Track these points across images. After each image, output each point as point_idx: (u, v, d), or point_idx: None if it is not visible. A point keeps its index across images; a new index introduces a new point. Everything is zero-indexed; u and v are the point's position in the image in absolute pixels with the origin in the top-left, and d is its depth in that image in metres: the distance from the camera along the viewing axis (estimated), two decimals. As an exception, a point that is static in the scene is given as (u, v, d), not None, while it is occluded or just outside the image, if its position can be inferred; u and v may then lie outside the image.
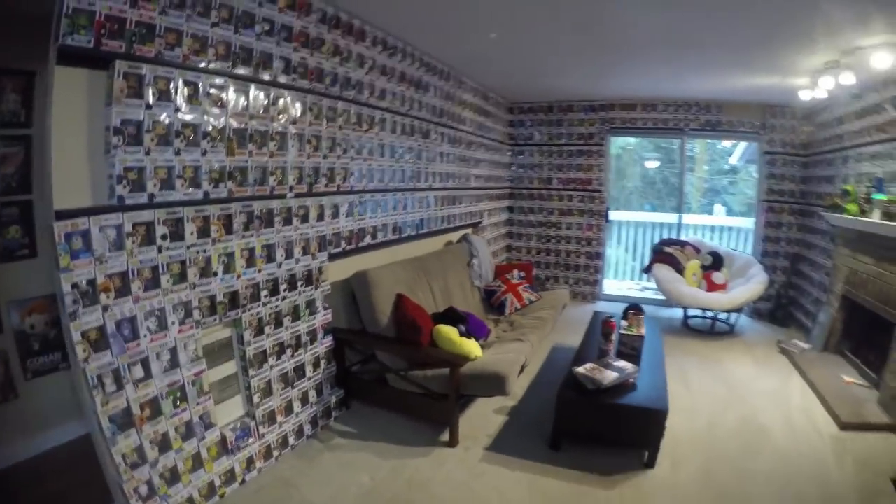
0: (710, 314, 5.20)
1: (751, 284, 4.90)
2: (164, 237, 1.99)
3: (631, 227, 7.12)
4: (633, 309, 3.75)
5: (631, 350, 3.32)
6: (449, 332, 3.02)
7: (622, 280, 7.30)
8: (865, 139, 4.15)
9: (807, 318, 5.13)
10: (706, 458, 2.87)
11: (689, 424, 3.15)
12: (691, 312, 5.40)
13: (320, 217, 2.86)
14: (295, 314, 2.73)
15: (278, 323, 2.61)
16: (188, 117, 2.06)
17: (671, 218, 6.58)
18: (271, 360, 2.59)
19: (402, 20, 3.17)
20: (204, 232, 2.15)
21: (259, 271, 2.46)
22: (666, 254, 5.37)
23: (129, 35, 1.82)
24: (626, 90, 5.39)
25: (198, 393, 2.17)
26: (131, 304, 1.89)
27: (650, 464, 2.75)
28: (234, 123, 2.26)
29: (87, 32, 1.70)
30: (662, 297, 6.03)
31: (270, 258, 2.52)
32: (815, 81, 3.93)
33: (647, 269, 5.52)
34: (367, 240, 3.34)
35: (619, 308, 5.62)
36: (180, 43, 2.00)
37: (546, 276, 6.43)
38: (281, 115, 2.52)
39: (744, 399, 3.64)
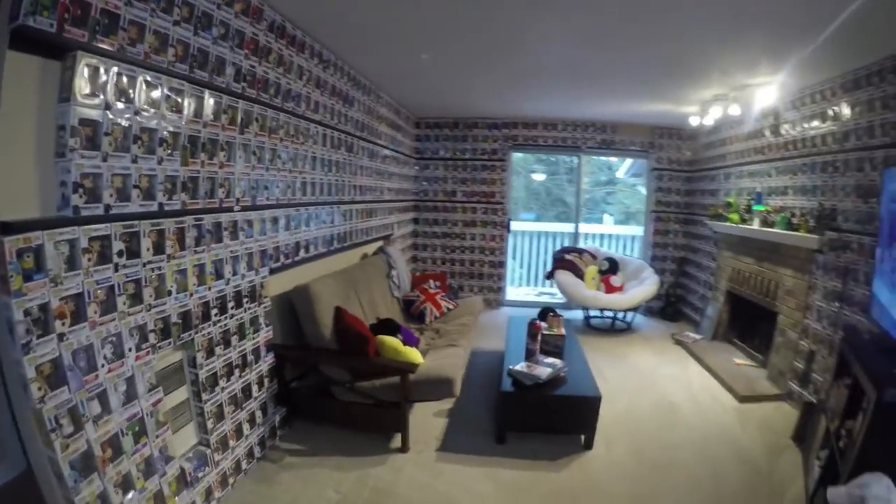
0: (609, 314, 5.75)
1: (645, 285, 5.53)
2: (120, 253, 1.81)
3: (526, 236, 7.63)
4: (550, 312, 4.06)
5: (554, 348, 3.60)
6: (392, 342, 3.06)
7: (518, 287, 7.77)
8: (746, 159, 4.96)
9: (694, 312, 5.94)
10: (633, 437, 3.25)
11: (612, 409, 3.50)
12: (592, 313, 5.93)
13: (262, 231, 2.76)
14: (241, 332, 2.59)
15: (227, 343, 2.47)
16: (147, 121, 1.90)
17: (564, 227, 7.19)
18: (222, 382, 2.43)
19: (340, 34, 3.18)
20: (159, 248, 1.99)
21: (209, 289, 2.31)
22: (566, 260, 5.86)
23: (93, 24, 1.65)
24: (529, 110, 5.83)
25: (156, 424, 1.99)
26: (87, 330, 1.69)
27: (588, 446, 3.05)
28: (189, 131, 2.13)
29: (50, 14, 1.51)
30: (561, 301, 6.56)
31: (219, 274, 2.38)
32: (704, 110, 4.64)
33: (549, 275, 5.97)
34: (302, 253, 3.27)
35: (522, 312, 6.02)
36: (142, 39, 1.85)
37: (452, 286, 6.64)
38: (231, 125, 2.41)
39: (653, 384, 4.15)
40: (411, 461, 2.85)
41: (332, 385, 3.03)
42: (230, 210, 2.43)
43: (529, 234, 7.73)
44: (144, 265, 1.92)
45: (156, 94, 1.94)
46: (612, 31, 2.96)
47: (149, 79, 1.89)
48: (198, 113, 2.17)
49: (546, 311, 4.06)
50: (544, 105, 5.43)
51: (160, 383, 2.05)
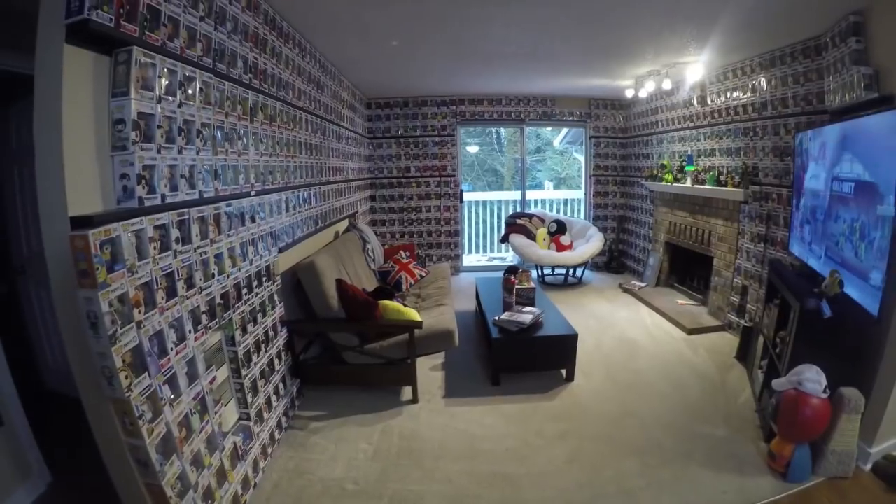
0: (561, 270, 6.21)
1: (591, 243, 6.02)
2: (177, 240, 1.90)
3: (472, 205, 7.92)
4: (514, 269, 4.41)
5: (527, 299, 3.96)
6: (395, 304, 3.28)
7: (470, 254, 8.09)
8: (676, 126, 5.49)
9: (636, 264, 6.54)
10: (605, 367, 3.74)
11: (582, 347, 3.90)
12: (546, 271, 6.36)
13: (271, 213, 2.85)
14: (263, 310, 2.71)
15: (255, 320, 2.58)
16: (187, 114, 1.96)
17: (509, 195, 7.58)
18: (254, 358, 2.55)
19: (318, 20, 3.22)
20: (203, 233, 2.08)
21: (240, 270, 2.41)
22: (518, 225, 6.24)
23: (142, 19, 1.69)
24: (475, 87, 6.06)
25: (214, 402, 2.11)
26: (158, 316, 1.77)
27: (570, 378, 3.48)
28: (216, 122, 2.19)
29: (109, 9, 1.55)
30: (512, 263, 6.95)
31: (245, 256, 2.48)
32: (639, 84, 5.06)
33: (504, 239, 6.32)
34: (298, 233, 3.37)
35: (482, 276, 6.38)
36: (178, 34, 1.90)
37: (419, 255, 6.82)
38: (244, 115, 2.47)
39: (612, 325, 4.68)
40: (425, 409, 3.12)
41: (342, 351, 3.20)
42: (248, 195, 2.52)
43: (476, 204, 8.00)
44: (195, 250, 2.01)
45: (193, 87, 2.00)
46: (558, 19, 3.26)
47: (187, 73, 1.96)
48: (221, 104, 2.24)
49: (514, 269, 4.40)
50: (490, 82, 5.68)
51: (212, 362, 2.16)
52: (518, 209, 7.27)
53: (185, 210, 1.95)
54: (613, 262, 6.90)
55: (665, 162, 5.55)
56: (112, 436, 1.67)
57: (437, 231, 6.85)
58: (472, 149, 11.71)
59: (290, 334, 3.08)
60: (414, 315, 3.23)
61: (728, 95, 4.49)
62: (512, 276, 3.92)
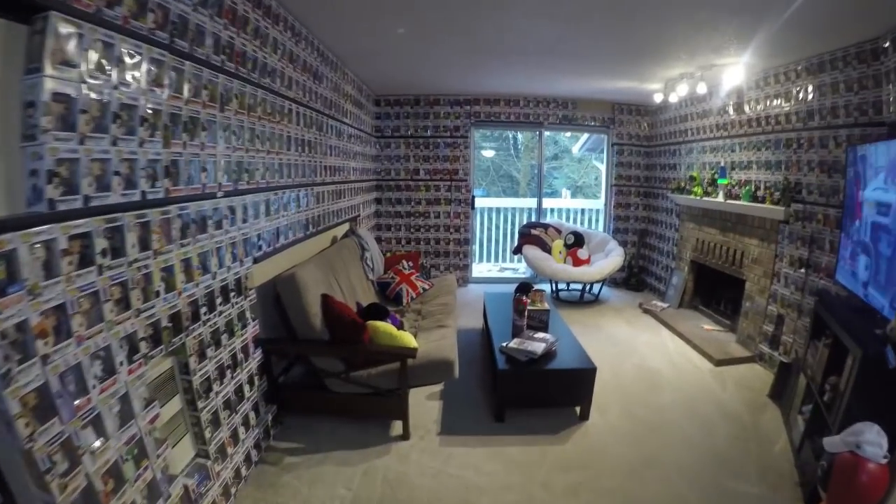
0: (577, 286, 5.79)
1: (611, 257, 5.60)
2: (104, 253, 1.55)
3: (486, 213, 7.56)
4: (525, 285, 4.02)
5: (539, 322, 3.58)
6: (386, 327, 2.90)
7: (480, 263, 7.72)
8: (708, 135, 5.06)
9: (658, 282, 6.10)
10: (623, 402, 3.32)
11: (598, 377, 3.50)
12: (561, 286, 5.95)
13: (244, 218, 2.49)
14: (230, 330, 2.35)
15: (217, 343, 2.23)
16: (127, 97, 1.61)
17: (524, 203, 7.19)
18: (216, 386, 2.20)
19: (310, 4, 2.88)
20: (144, 243, 1.72)
21: (197, 285, 2.06)
22: (533, 236, 5.83)
23: None
24: (491, 86, 5.66)
25: (156, 443, 1.75)
26: (74, 347, 1.42)
27: (585, 416, 3.06)
28: (170, 108, 1.84)
29: None
30: (524, 276, 6.57)
31: (205, 268, 2.12)
32: (670, 88, 4.67)
33: (517, 251, 5.92)
34: (282, 240, 3.01)
35: (491, 289, 5.99)
36: (121, 1, 1.55)
37: (423, 265, 6.46)
38: (212, 102, 2.12)
39: (631, 351, 4.25)
40: (416, 448, 2.74)
41: (324, 377, 2.84)
42: (213, 196, 2.17)
43: (489, 211, 7.65)
44: (130, 264, 1.66)
45: (136, 64, 1.65)
46: (590, 11, 2.88)
47: (129, 47, 1.61)
48: (178, 88, 1.89)
49: (526, 287, 4.00)
50: (507, 81, 5.29)
51: (154, 396, 1.81)
52: (533, 218, 6.87)
53: (119, 215, 1.60)
54: (633, 278, 6.46)
55: (694, 174, 5.13)
56: (24, 490, 1.32)
57: (446, 239, 6.47)
58: (488, 153, 11.36)
59: (266, 355, 2.72)
60: (408, 340, 2.85)
61: (768, 103, 4.07)
62: (524, 297, 3.52)
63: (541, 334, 3.30)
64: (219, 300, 2.23)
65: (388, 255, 5.07)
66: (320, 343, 2.79)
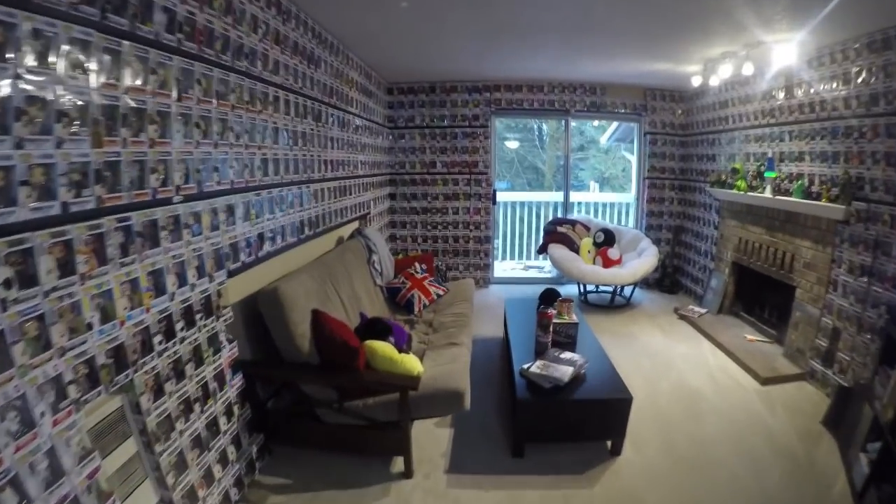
0: (606, 288, 5.36)
1: (645, 258, 5.16)
2: (6, 284, 1.24)
3: (508, 207, 7.18)
4: (556, 294, 3.64)
5: (566, 338, 3.20)
6: (385, 349, 2.55)
7: (502, 261, 7.34)
8: (752, 122, 4.58)
9: (694, 284, 5.65)
10: (661, 433, 2.92)
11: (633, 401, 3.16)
12: (589, 288, 5.54)
13: (214, 225, 2.18)
14: (197, 357, 2.05)
15: (180, 374, 1.92)
16: (36, 88, 1.30)
17: (548, 196, 6.78)
18: (179, 424, 1.90)
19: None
20: (67, 267, 1.41)
21: (147, 310, 1.75)
22: (559, 233, 5.42)
23: None
24: (512, 71, 5.25)
25: (99, 499, 1.47)
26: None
27: (616, 451, 2.68)
28: (102, 99, 1.52)
29: None
30: (550, 275, 6.17)
31: (160, 289, 1.82)
32: (710, 69, 4.21)
33: (542, 250, 5.52)
34: (268, 246, 2.69)
35: (513, 291, 5.63)
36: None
37: (439, 268, 6.09)
38: (163, 89, 1.80)
39: (668, 367, 3.84)
40: (420, 488, 2.41)
41: (316, 406, 2.52)
42: (168, 202, 1.85)
43: (512, 205, 7.27)
44: (47, 294, 1.35)
45: (48, 47, 1.33)
46: None
47: (38, 26, 1.29)
48: (114, 74, 1.56)
49: (551, 295, 3.62)
50: (529, 64, 4.88)
51: (97, 444, 1.52)
52: (559, 213, 6.45)
53: (27, 235, 1.29)
54: (667, 279, 5.99)
55: (737, 165, 4.64)
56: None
57: (465, 237, 6.10)
58: (512, 144, 10.92)
59: (248, 379, 2.42)
60: (410, 366, 2.51)
61: (823, 85, 3.58)
62: (549, 310, 3.12)
63: (568, 354, 2.91)
64: (180, 325, 1.92)
65: (400, 256, 4.74)
66: (308, 368, 2.46)
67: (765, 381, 3.56)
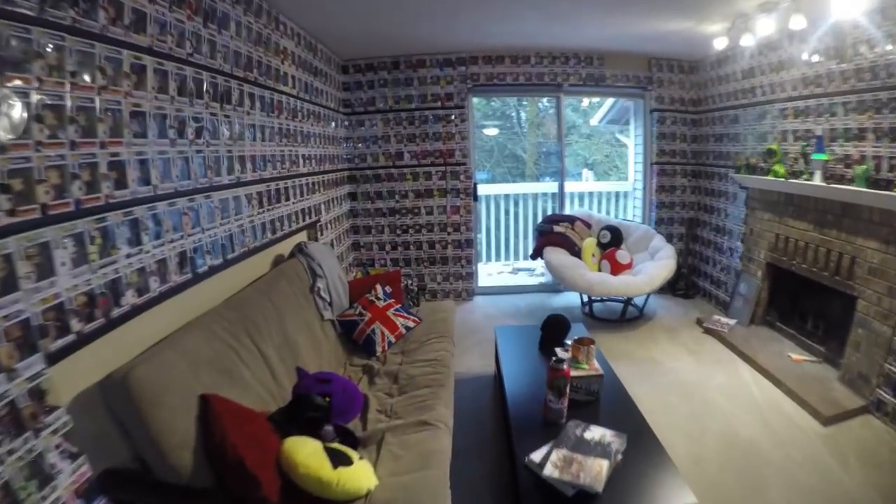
0: (619, 298, 4.56)
1: (660, 262, 4.42)
2: None
3: (492, 201, 6.42)
4: (557, 325, 2.83)
5: (587, 396, 2.38)
6: (310, 462, 1.64)
7: (487, 263, 6.56)
8: (790, 93, 3.80)
9: (715, 287, 4.95)
10: None
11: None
12: (595, 297, 4.74)
13: (10, 279, 1.29)
14: (11, 499, 1.16)
15: None
16: None
17: (534, 187, 6.10)
18: None
19: None
20: None
21: None
22: (556, 234, 4.58)
23: None
24: (493, 38, 4.39)
25: None
26: None
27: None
28: None
29: None
30: (543, 279, 5.40)
31: None
32: (742, 26, 3.48)
33: (536, 254, 4.69)
34: (130, 298, 1.79)
35: (502, 304, 4.82)
36: None
37: (409, 288, 5.07)
38: None
39: (708, 409, 3.12)
40: None
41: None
42: None
43: (495, 198, 6.50)
44: None
45: None
46: None
47: None
48: None
49: (558, 326, 2.82)
50: (513, 28, 4.02)
51: None
52: (549, 206, 5.64)
53: None
54: (681, 281, 5.21)
55: (773, 146, 3.87)
56: None
57: (443, 241, 5.23)
58: (491, 131, 10.15)
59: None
60: (352, 486, 1.64)
61: (891, 45, 2.84)
62: (562, 366, 2.23)
63: (596, 432, 2.04)
64: None
65: (357, 274, 3.83)
66: (192, 494, 1.58)
67: (827, 421, 2.89)
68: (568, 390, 2.22)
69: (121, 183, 1.75)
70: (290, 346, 2.48)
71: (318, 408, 1.86)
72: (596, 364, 2.47)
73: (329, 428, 1.81)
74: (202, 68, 2.27)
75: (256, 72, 2.84)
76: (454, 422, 2.31)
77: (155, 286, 1.91)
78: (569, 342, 2.62)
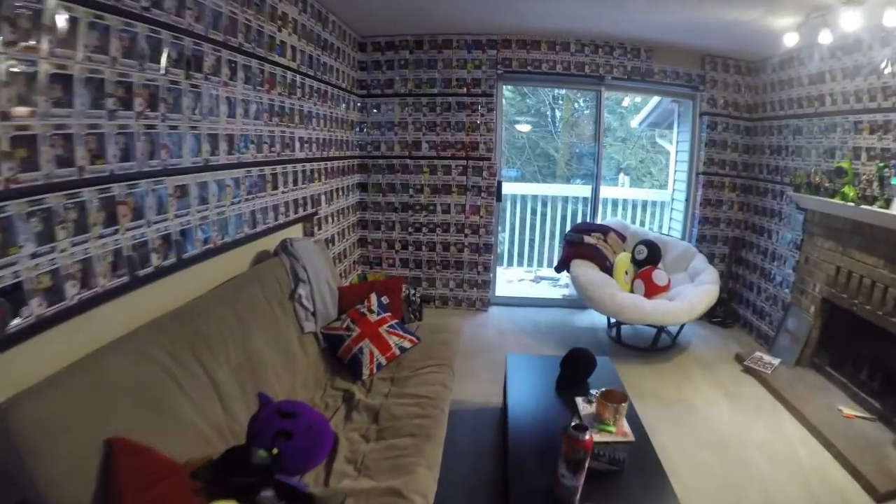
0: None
1: (702, 288, 3.95)
2: None
3: (517, 201, 6.04)
4: (581, 360, 2.42)
5: (611, 464, 1.93)
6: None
7: (507, 268, 6.16)
8: (866, 104, 3.33)
9: (758, 318, 4.47)
10: None
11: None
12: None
13: None
14: None
15: None
16: None
17: (566, 190, 5.69)
18: None
19: None
20: None
21: None
22: (586, 245, 4.12)
23: None
24: (527, 20, 3.96)
25: None
26: None
27: None
28: None
29: None
30: (567, 292, 4.97)
31: None
32: (820, 20, 3.07)
33: (561, 267, 4.26)
34: (35, 308, 1.44)
35: (520, 319, 4.44)
36: None
37: (410, 299, 4.49)
38: None
39: (745, 468, 2.71)
40: None
41: None
42: None
43: (522, 197, 6.12)
44: None
45: None
46: None
47: None
48: None
49: (581, 362, 2.42)
50: (553, 8, 3.59)
51: None
52: (580, 210, 5.19)
53: None
54: (720, 306, 4.70)
55: (845, 164, 3.35)
56: None
57: (459, 243, 4.82)
58: (523, 127, 9.70)
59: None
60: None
61: None
62: (583, 437, 1.75)
63: None
64: None
65: (354, 280, 3.43)
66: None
67: (881, 499, 2.47)
68: (586, 465, 1.78)
69: (30, 163, 1.39)
70: (254, 367, 2.12)
71: (256, 468, 1.48)
72: (625, 426, 2.04)
73: (268, 494, 1.43)
74: (168, 28, 1.90)
75: (242, 37, 2.46)
76: (443, 466, 1.94)
77: (72, 292, 1.56)
78: (594, 392, 2.20)
